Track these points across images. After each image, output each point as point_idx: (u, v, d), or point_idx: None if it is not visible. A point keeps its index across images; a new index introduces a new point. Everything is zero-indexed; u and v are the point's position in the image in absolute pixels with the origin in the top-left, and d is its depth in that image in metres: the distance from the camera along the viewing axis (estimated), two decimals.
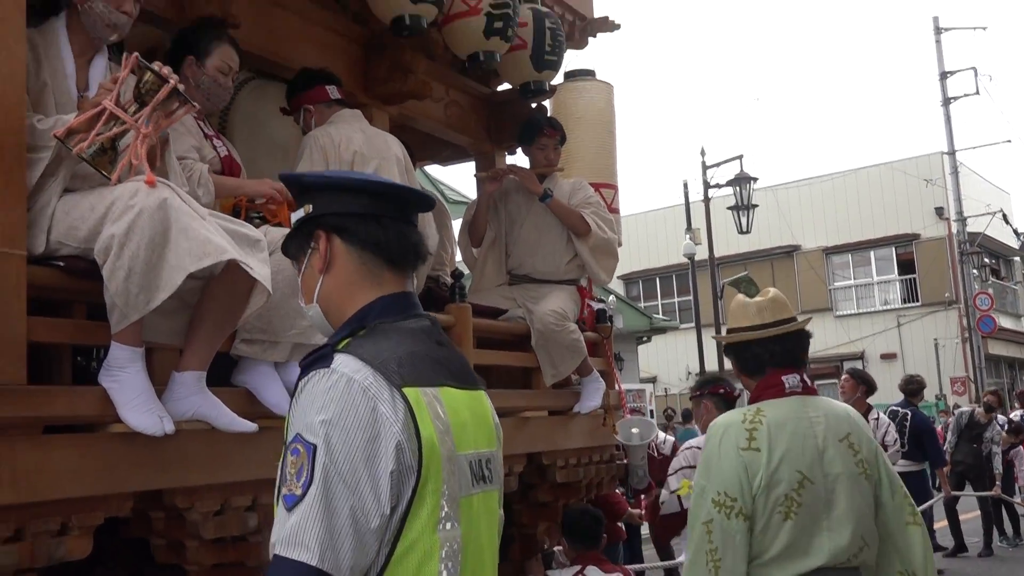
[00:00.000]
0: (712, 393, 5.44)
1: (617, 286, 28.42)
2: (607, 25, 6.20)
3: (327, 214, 1.83)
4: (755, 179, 19.64)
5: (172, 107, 2.95)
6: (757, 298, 3.27)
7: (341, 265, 1.82)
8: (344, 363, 1.64)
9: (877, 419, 8.93)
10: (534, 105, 5.96)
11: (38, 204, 2.90)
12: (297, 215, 1.89)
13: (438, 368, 1.73)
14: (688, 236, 21.68)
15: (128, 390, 2.88)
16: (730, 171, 20.26)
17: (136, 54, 2.82)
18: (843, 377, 9.25)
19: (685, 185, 22.26)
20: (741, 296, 3.33)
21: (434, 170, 14.10)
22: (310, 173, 1.91)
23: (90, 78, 3.23)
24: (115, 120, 2.84)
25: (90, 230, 2.87)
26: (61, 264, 2.92)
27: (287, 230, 3.50)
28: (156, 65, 2.87)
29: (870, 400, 9.00)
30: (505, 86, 6.09)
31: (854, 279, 30.57)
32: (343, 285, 1.82)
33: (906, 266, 29.68)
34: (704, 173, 21.11)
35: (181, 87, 2.93)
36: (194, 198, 3.33)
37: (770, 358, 3.18)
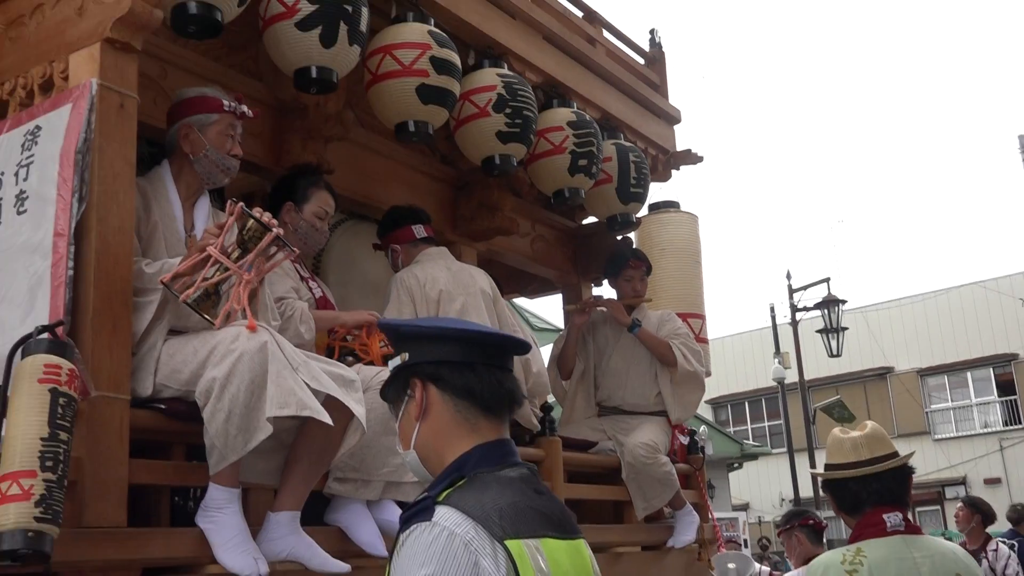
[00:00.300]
0: (802, 525, 5.36)
1: (705, 411, 27.97)
2: (690, 158, 6.27)
3: (422, 363, 1.86)
4: (844, 301, 19.37)
5: (273, 252, 3.06)
6: (853, 433, 3.18)
7: (437, 413, 1.84)
8: (445, 516, 1.63)
9: (996, 550, 8.44)
10: (620, 237, 6.01)
11: (144, 347, 3.01)
12: (394, 362, 1.92)
13: (539, 518, 1.72)
14: (777, 360, 21.35)
15: (224, 531, 2.91)
16: (817, 294, 20.05)
17: (241, 203, 2.95)
18: (957, 506, 8.85)
19: (772, 309, 22.02)
20: (837, 431, 3.25)
21: (520, 301, 14.21)
22: (405, 323, 1.95)
23: (195, 218, 3.39)
24: (219, 266, 2.94)
25: (192, 373, 2.96)
26: (163, 407, 3.00)
27: (379, 368, 3.61)
28: (258, 212, 2.99)
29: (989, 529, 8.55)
30: (591, 219, 6.18)
31: (952, 401, 29.60)
32: (440, 432, 1.83)
33: (1006, 387, 28.68)
34: (791, 296, 20.90)
35: (281, 233, 3.03)
36: (296, 335, 3.44)
37: (869, 496, 3.08)
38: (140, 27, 2.95)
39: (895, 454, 3.15)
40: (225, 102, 3.38)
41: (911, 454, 3.18)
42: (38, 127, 2.95)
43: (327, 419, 2.95)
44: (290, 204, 3.90)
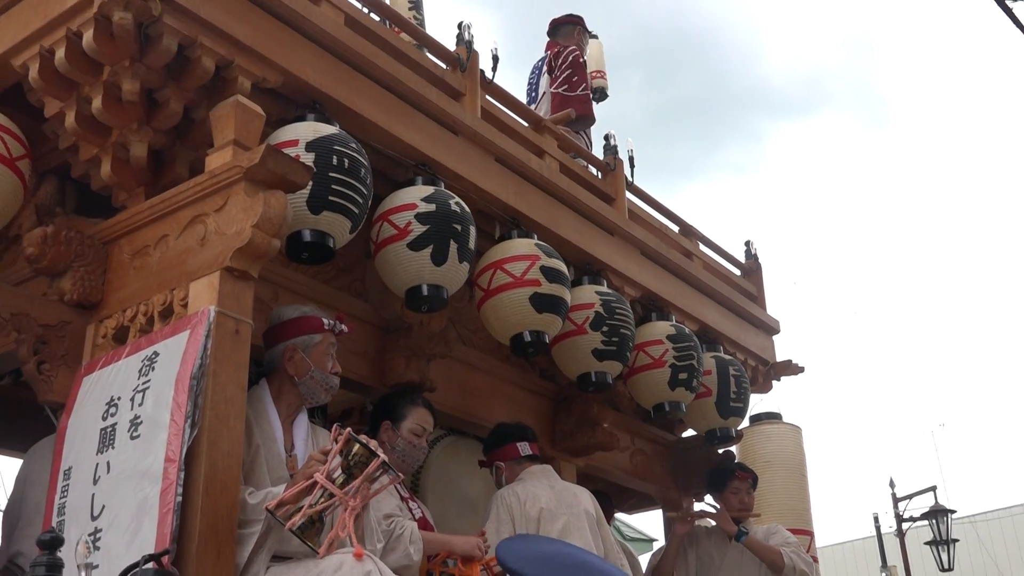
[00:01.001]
0: None
1: None
2: (791, 368, 6.17)
3: None
4: (953, 511, 18.46)
5: (378, 477, 3.02)
6: None
7: None
8: None
9: None
10: (722, 450, 5.86)
11: None
12: None
13: None
14: (884, 574, 20.26)
15: None
16: (923, 502, 19.17)
17: (348, 429, 2.93)
18: None
19: (876, 519, 21.08)
20: None
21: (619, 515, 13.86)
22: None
23: (295, 437, 3.39)
24: (324, 493, 2.90)
25: None
26: None
27: None
28: (364, 438, 2.97)
29: None
30: (690, 432, 6.05)
31: None
32: None
33: None
34: (895, 506, 20.01)
35: (387, 459, 3.00)
36: (404, 556, 3.42)
37: None
38: (258, 256, 3.04)
39: None
40: (326, 321, 3.42)
41: None
42: (156, 353, 3.02)
43: None
44: (387, 423, 3.89)
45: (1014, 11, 5.40)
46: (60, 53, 3.19)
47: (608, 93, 7.27)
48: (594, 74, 7.07)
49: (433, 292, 3.79)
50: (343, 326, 3.49)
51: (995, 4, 5.24)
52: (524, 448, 4.43)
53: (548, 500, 4.26)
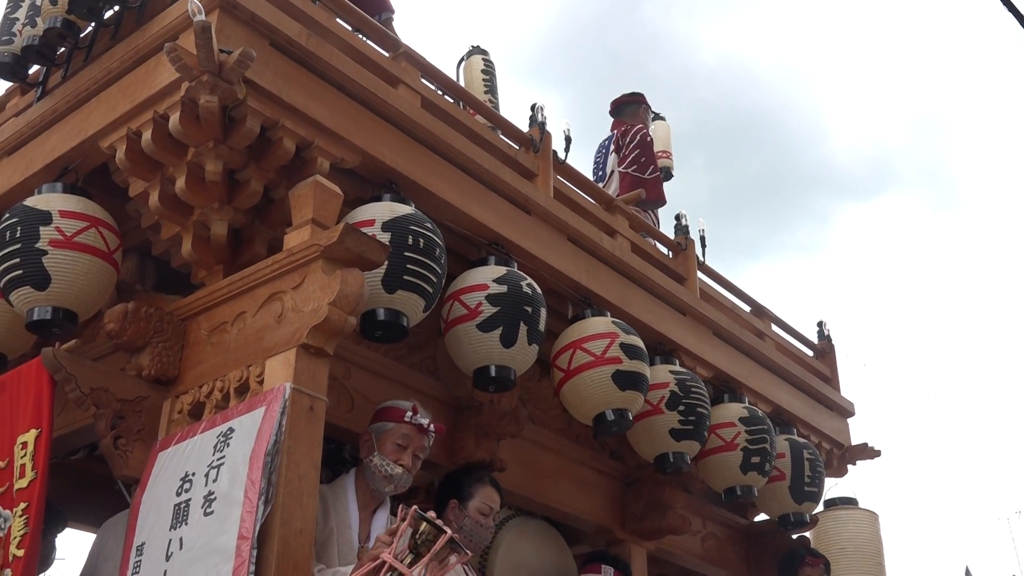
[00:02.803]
0: None
1: None
2: (867, 452, 6.02)
3: None
4: None
5: (445, 555, 2.98)
6: None
7: None
8: None
9: None
10: (795, 535, 5.71)
11: None
12: None
13: None
14: None
15: None
16: None
17: (415, 507, 2.91)
18: None
19: None
20: None
21: None
22: None
23: (372, 528, 3.36)
24: (394, 573, 2.87)
25: None
26: None
27: None
28: (431, 515, 2.93)
29: None
30: (763, 516, 5.91)
31: None
32: None
33: None
34: None
35: (456, 537, 2.96)
36: None
37: None
38: (334, 334, 3.06)
39: None
40: (408, 413, 3.41)
41: None
42: (231, 429, 3.03)
43: None
44: (454, 502, 3.86)
45: None
46: (147, 135, 3.28)
47: (673, 173, 7.27)
48: (660, 154, 7.08)
49: (501, 373, 3.78)
50: (424, 421, 3.45)
51: None
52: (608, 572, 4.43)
53: None
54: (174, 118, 3.20)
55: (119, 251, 3.56)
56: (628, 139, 6.75)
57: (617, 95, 7.19)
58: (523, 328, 3.77)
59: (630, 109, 7.07)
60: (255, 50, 3.12)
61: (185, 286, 3.56)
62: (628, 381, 4.12)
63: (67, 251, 3.38)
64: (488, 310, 3.74)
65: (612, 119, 7.15)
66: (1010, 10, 3.39)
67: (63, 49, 3.70)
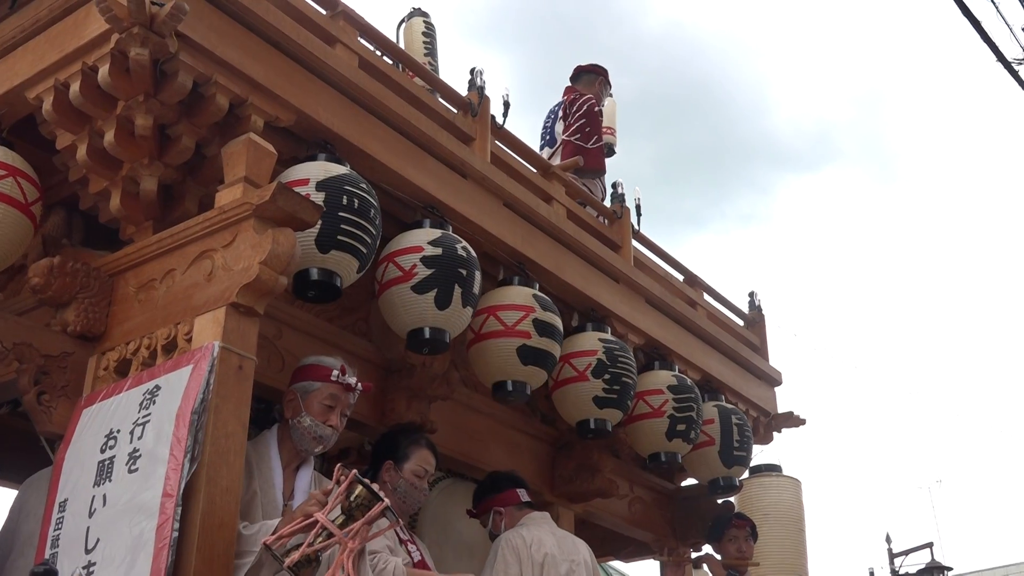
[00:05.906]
0: None
1: None
2: (792, 420, 6.15)
3: None
4: (950, 569, 18.31)
5: (376, 519, 2.99)
6: None
7: None
8: None
9: None
10: (721, 501, 5.83)
11: None
12: None
13: None
14: None
15: None
16: (919, 558, 19.02)
17: (355, 471, 2.91)
18: None
19: (871, 573, 20.88)
20: None
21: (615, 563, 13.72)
22: None
23: (296, 486, 3.36)
24: (324, 533, 2.88)
25: None
26: None
27: None
28: (368, 481, 2.94)
29: None
30: (690, 481, 6.02)
31: None
32: None
33: None
34: (891, 561, 19.84)
35: (390, 505, 2.97)
36: None
37: None
38: (265, 293, 3.04)
39: None
40: (334, 372, 3.38)
41: None
42: (157, 387, 3.01)
43: None
44: (390, 463, 3.87)
45: (1020, 73, 5.46)
46: (75, 87, 3.22)
47: (616, 150, 7.28)
48: (605, 130, 7.08)
49: (435, 335, 3.79)
50: (352, 380, 3.42)
51: (1001, 66, 5.30)
52: (523, 494, 4.40)
53: (552, 546, 4.23)
54: (103, 70, 3.14)
55: (38, 203, 3.49)
56: (575, 108, 6.73)
57: (566, 60, 7.20)
58: (457, 290, 3.78)
59: (587, 78, 7.02)
60: (188, 3, 3.06)
61: (114, 242, 3.51)
62: (533, 357, 4.17)
63: None
64: (423, 272, 3.74)
65: (567, 85, 7.12)
66: None
67: None
